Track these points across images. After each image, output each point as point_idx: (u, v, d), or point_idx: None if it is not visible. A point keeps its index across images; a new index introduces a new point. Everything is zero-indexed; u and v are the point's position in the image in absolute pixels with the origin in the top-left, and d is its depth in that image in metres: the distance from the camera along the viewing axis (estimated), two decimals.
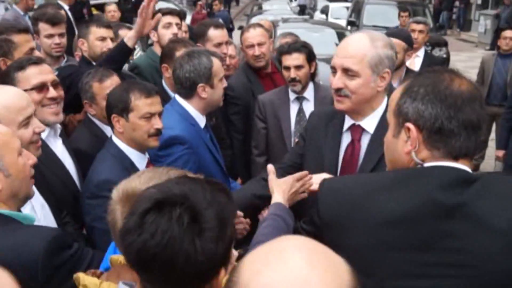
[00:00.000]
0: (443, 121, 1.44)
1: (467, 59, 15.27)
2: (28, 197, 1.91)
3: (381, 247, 1.43)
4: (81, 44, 3.77)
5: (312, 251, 0.89)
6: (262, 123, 3.67)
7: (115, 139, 2.60)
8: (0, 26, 3.42)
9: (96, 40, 3.73)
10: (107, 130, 2.92)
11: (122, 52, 3.24)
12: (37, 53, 3.20)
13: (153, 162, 2.66)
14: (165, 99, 3.12)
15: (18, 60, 2.77)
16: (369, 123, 2.30)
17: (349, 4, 19.24)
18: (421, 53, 5.70)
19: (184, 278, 1.14)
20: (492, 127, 6.93)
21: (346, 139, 2.36)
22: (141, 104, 2.51)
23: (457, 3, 22.44)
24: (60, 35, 3.99)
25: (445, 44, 12.96)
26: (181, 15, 4.24)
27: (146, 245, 1.14)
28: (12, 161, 1.79)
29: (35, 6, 7.34)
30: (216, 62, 2.89)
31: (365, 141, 2.31)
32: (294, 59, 3.51)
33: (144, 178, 1.47)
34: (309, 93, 3.63)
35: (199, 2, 17.08)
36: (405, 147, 1.51)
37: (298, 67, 3.52)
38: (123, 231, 1.20)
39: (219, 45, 3.93)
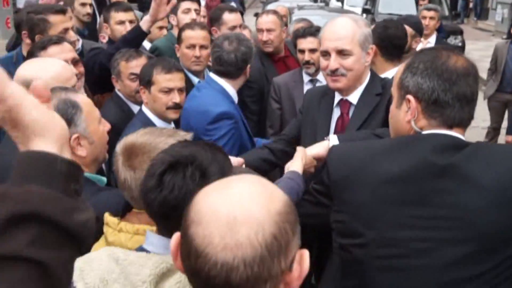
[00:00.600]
0: (439, 93, 1.60)
1: (483, 48, 15.21)
2: (104, 160, 2.12)
3: (382, 203, 1.59)
4: (106, 28, 3.97)
5: (255, 183, 1.03)
6: (277, 104, 3.82)
7: (144, 109, 2.89)
8: (38, 6, 3.59)
9: (116, 24, 3.93)
10: (133, 106, 3.12)
11: (136, 35, 3.43)
12: (71, 33, 3.35)
13: (202, 136, 2.85)
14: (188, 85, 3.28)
15: (41, 40, 2.93)
16: (356, 96, 2.53)
17: None
18: (432, 39, 5.84)
19: None
20: (505, 114, 7.00)
21: (336, 113, 2.59)
22: (161, 79, 2.79)
23: None
24: (131, 22, 4.08)
25: (460, 32, 12.96)
26: (199, 1, 4.39)
27: (166, 199, 1.36)
28: (95, 129, 2.00)
29: None
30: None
31: (351, 113, 2.55)
32: (308, 42, 3.67)
33: (140, 133, 1.74)
34: (322, 75, 3.76)
35: None
36: (406, 116, 1.67)
37: (312, 50, 3.66)
38: (145, 190, 1.41)
39: (233, 28, 4.08)
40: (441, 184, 1.55)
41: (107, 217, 1.65)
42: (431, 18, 5.86)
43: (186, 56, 3.54)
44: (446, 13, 15.01)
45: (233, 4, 5.06)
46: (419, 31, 4.49)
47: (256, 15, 14.48)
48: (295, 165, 2.25)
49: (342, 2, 18.92)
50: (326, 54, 2.47)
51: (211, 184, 1.04)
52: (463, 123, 1.65)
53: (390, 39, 3.54)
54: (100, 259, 1.41)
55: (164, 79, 2.79)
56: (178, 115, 2.90)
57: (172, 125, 2.94)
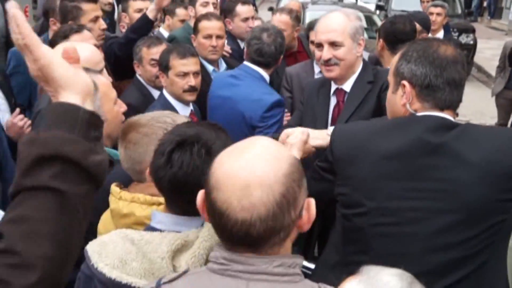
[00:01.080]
0: (431, 78, 1.79)
1: (496, 47, 15.21)
2: (117, 137, 2.32)
3: (380, 177, 1.78)
4: (124, 18, 4.16)
5: (263, 148, 1.20)
6: (288, 93, 4.00)
7: (164, 92, 3.12)
8: None
9: (134, 12, 4.11)
10: (153, 90, 3.31)
11: (143, 23, 3.64)
12: (101, 21, 3.52)
13: (256, 123, 3.04)
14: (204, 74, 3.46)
15: (62, 29, 3.08)
16: (349, 84, 2.75)
17: None
18: (440, 35, 6.01)
19: None
20: None
21: (333, 101, 2.81)
22: (177, 63, 3.03)
23: None
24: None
25: (472, 30, 13.00)
26: None
27: (176, 176, 1.49)
28: (109, 108, 2.16)
29: None
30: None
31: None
32: None
33: (146, 115, 1.92)
34: None
35: None
36: (402, 100, 1.86)
37: None
38: (155, 168, 1.54)
39: (246, 19, 4.26)
40: (433, 160, 1.73)
41: (112, 187, 1.81)
42: (438, 14, 6.06)
43: (203, 45, 3.70)
44: (459, 11, 15.05)
45: None
46: (426, 27, 4.62)
47: (271, 9, 14.55)
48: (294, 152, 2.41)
49: None
50: (319, 45, 2.71)
51: (225, 151, 1.22)
52: (453, 105, 1.83)
53: (395, 34, 3.67)
54: (115, 241, 1.50)
55: (179, 63, 3.03)
56: (194, 97, 3.13)
57: (191, 107, 3.15)
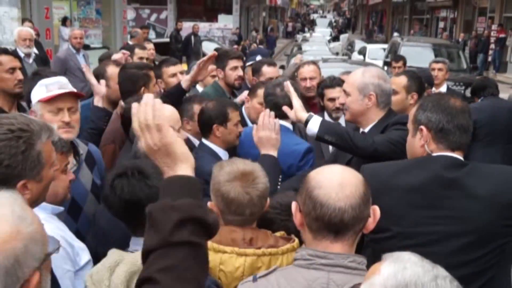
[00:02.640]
0: (444, 123, 2.20)
1: None
2: None
3: (404, 206, 2.16)
4: (160, 83, 4.47)
5: (345, 168, 1.74)
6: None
7: (204, 141, 3.45)
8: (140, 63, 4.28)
9: (169, 77, 4.47)
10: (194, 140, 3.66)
11: (177, 92, 3.84)
12: (156, 86, 4.02)
13: (295, 172, 3.31)
14: (242, 124, 3.77)
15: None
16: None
17: (385, 46, 19.98)
18: (443, 89, 6.54)
19: None
20: None
21: None
22: (234, 115, 3.41)
23: (492, 46, 22.89)
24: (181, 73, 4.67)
25: None
26: (243, 59, 5.04)
27: (121, 198, 2.03)
28: None
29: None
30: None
31: None
32: (336, 92, 4.29)
33: (240, 162, 2.19)
34: (342, 119, 4.38)
35: (235, 46, 18.00)
36: (420, 143, 2.27)
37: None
38: (104, 199, 2.13)
39: (270, 79, 4.69)
40: (448, 192, 2.12)
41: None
42: (439, 69, 6.54)
43: (258, 110, 3.84)
44: (465, 66, 15.60)
45: (258, 57, 5.71)
46: (430, 84, 5.16)
47: (282, 67, 15.09)
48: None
49: (364, 55, 19.69)
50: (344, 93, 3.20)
51: (317, 169, 1.71)
52: (462, 147, 2.24)
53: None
54: None
55: (236, 115, 3.43)
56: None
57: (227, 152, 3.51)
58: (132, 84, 3.85)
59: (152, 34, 26.62)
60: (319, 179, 1.64)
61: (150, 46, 6.72)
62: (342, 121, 4.26)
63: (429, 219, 2.12)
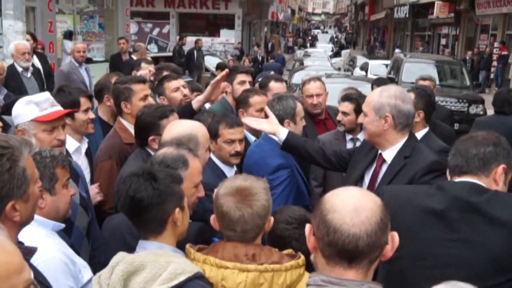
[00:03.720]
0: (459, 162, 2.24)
1: None
2: None
3: (421, 226, 2.11)
4: (163, 100, 4.39)
5: (358, 189, 1.67)
6: None
7: (212, 156, 3.36)
8: (123, 78, 4.12)
9: (172, 92, 4.35)
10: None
11: (187, 111, 3.82)
12: (150, 99, 3.84)
13: None
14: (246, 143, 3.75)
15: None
16: (388, 154, 3.04)
17: (387, 62, 19.97)
18: None
19: None
20: None
21: (375, 164, 3.14)
22: (226, 132, 3.36)
23: (495, 63, 22.93)
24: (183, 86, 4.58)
25: (482, 101, 13.46)
26: (253, 74, 4.98)
27: (131, 197, 2.04)
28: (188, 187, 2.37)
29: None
30: (298, 105, 3.70)
31: (383, 168, 3.08)
32: (343, 106, 4.32)
33: (241, 179, 2.16)
34: (361, 135, 4.29)
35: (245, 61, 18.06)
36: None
37: (344, 113, 4.33)
38: (117, 197, 2.14)
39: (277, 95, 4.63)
40: (467, 216, 2.06)
41: (187, 248, 2.09)
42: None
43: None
44: (468, 83, 15.58)
45: (272, 73, 5.72)
46: None
47: (285, 82, 15.13)
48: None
49: (366, 71, 19.68)
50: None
51: (333, 191, 1.61)
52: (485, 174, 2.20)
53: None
54: None
55: (228, 132, 3.36)
56: (238, 161, 3.45)
57: (235, 168, 3.48)
58: (115, 99, 3.81)
59: (154, 48, 26.85)
60: (334, 202, 1.54)
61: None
62: (361, 136, 4.26)
63: (444, 241, 2.07)
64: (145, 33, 27.57)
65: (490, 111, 14.38)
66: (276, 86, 4.71)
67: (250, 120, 3.47)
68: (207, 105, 4.86)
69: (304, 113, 4.77)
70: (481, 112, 12.97)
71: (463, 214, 2.06)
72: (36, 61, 7.82)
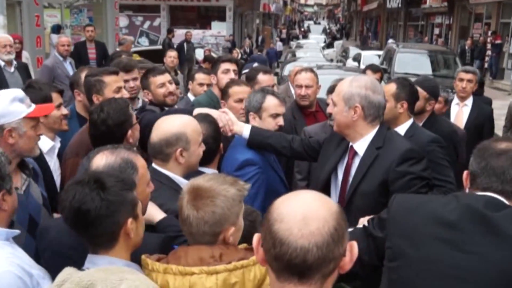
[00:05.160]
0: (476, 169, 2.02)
1: (499, 107, 15.41)
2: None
3: (428, 232, 1.92)
4: (147, 95, 4.23)
5: (313, 193, 1.41)
6: None
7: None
8: (95, 69, 3.97)
9: (157, 88, 4.15)
10: None
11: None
12: (124, 91, 3.66)
13: None
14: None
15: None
16: (359, 146, 2.91)
17: (380, 52, 19.81)
18: (469, 102, 5.64)
19: None
20: None
21: (347, 157, 2.99)
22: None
23: (489, 52, 22.76)
24: (134, 79, 4.39)
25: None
26: (238, 62, 4.79)
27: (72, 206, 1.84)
28: (143, 190, 2.17)
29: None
30: (269, 101, 3.40)
31: (356, 161, 2.94)
32: (331, 98, 4.04)
33: (206, 178, 1.98)
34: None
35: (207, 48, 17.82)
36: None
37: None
38: (61, 207, 1.88)
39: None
40: (480, 228, 1.87)
41: (143, 260, 1.91)
42: (468, 81, 5.56)
43: (235, 109, 3.81)
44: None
45: (255, 65, 5.55)
46: (434, 95, 4.47)
47: (276, 74, 14.97)
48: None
49: (359, 62, 19.51)
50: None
51: (284, 196, 1.41)
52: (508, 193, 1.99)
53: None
54: None
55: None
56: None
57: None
58: (87, 92, 3.64)
59: (145, 42, 26.58)
60: (281, 211, 1.35)
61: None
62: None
63: (453, 253, 1.88)
64: (136, 27, 27.35)
65: None
66: (264, 79, 4.52)
67: (222, 117, 3.26)
68: (191, 97, 4.68)
69: (294, 105, 4.64)
70: None
71: (476, 227, 1.88)
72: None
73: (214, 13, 29.81)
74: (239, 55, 15.72)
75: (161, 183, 2.52)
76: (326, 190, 3.03)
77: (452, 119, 5.55)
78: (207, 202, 1.88)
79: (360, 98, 2.83)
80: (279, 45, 30.93)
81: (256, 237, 1.41)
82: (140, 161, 2.20)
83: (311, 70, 4.84)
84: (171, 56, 8.21)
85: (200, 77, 5.40)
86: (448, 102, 5.13)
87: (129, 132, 2.92)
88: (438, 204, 1.99)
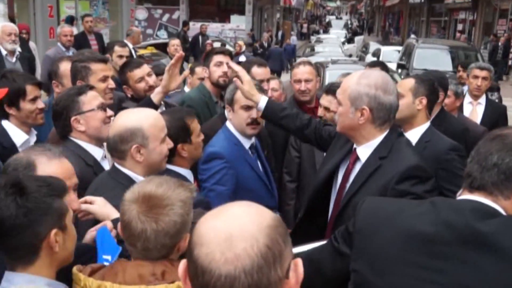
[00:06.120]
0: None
1: None
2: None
3: (397, 256, 1.61)
4: (127, 90, 3.90)
5: (244, 205, 1.16)
6: (296, 152, 3.89)
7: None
8: (83, 55, 3.80)
9: (136, 83, 3.82)
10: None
11: (147, 106, 3.14)
12: (110, 81, 3.49)
13: (199, 175, 3.02)
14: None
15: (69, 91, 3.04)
16: (363, 151, 2.56)
17: (400, 48, 19.36)
18: (482, 100, 5.46)
19: None
20: None
21: (349, 160, 2.67)
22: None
23: None
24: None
25: (497, 89, 12.85)
26: (232, 55, 4.52)
27: None
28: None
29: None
30: (239, 93, 3.18)
31: (356, 167, 2.59)
32: (325, 100, 3.77)
33: (155, 184, 1.73)
34: None
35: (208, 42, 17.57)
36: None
37: (326, 109, 3.75)
38: None
39: (261, 82, 4.18)
40: (469, 248, 1.54)
41: (74, 273, 1.69)
42: (483, 78, 5.33)
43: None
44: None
45: (242, 58, 5.30)
46: (442, 86, 4.19)
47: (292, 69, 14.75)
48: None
49: (378, 58, 19.09)
50: None
51: (210, 212, 1.16)
52: (485, 187, 1.64)
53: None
54: None
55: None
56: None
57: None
58: (72, 78, 3.47)
59: (164, 34, 26.49)
60: (201, 232, 1.11)
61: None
62: None
63: (427, 283, 1.55)
64: (155, 19, 27.25)
65: (506, 99, 13.81)
66: (259, 72, 4.26)
67: (238, 67, 3.12)
68: (187, 89, 4.44)
69: (293, 101, 4.37)
70: (497, 100, 12.38)
71: (461, 244, 1.54)
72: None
73: (233, 6, 29.57)
74: (242, 48, 15.37)
75: (119, 182, 2.29)
76: (325, 190, 2.75)
77: None
78: (166, 212, 1.66)
79: (369, 99, 2.44)
80: (293, 40, 30.43)
81: (181, 265, 1.16)
82: (48, 166, 1.97)
83: (309, 63, 4.57)
84: (174, 45, 7.99)
85: (200, 71, 5.12)
86: (458, 96, 4.76)
87: (74, 118, 2.77)
88: (412, 214, 1.66)
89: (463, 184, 1.67)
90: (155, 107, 3.25)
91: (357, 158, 2.59)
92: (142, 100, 3.51)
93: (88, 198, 2.16)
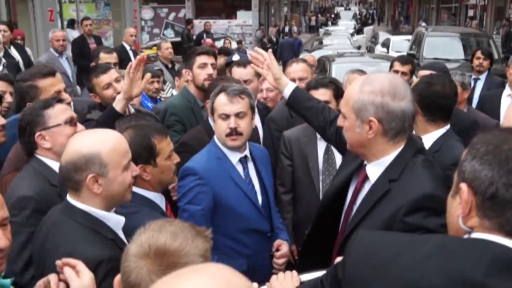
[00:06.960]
0: (499, 187, 1.27)
1: None
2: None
3: None
4: (95, 98, 3.63)
5: (217, 273, 0.91)
6: (288, 161, 3.57)
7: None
8: (25, 73, 3.44)
9: (103, 90, 3.55)
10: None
11: (110, 117, 2.97)
12: (65, 95, 3.18)
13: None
14: (210, 134, 3.17)
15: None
16: (373, 170, 2.20)
17: (410, 37, 18.91)
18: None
19: None
20: None
21: (357, 177, 2.33)
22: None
23: None
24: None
25: None
26: (216, 55, 4.21)
27: None
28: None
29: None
30: (218, 98, 2.91)
31: (365, 187, 2.23)
32: (320, 94, 3.41)
33: (170, 235, 1.42)
34: None
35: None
36: (457, 210, 1.35)
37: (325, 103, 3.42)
38: None
39: (245, 82, 3.91)
40: None
41: None
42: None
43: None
44: (496, 56, 14.50)
45: (236, 56, 4.98)
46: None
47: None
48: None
49: (388, 48, 18.65)
50: None
51: (164, 278, 0.93)
52: None
53: (433, 97, 3.13)
54: None
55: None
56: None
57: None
58: (21, 101, 3.18)
59: (171, 34, 26.33)
60: None
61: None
62: None
63: None
64: (161, 19, 27.16)
65: None
66: (238, 72, 4.00)
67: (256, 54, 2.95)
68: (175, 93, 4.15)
69: (284, 101, 4.08)
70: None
71: None
72: (14, 52, 7.24)
73: (240, 2, 29.29)
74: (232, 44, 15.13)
75: (74, 221, 1.98)
76: (335, 203, 2.41)
77: (502, 112, 4.90)
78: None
79: (375, 109, 2.08)
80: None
81: None
82: None
83: (303, 60, 4.31)
84: (168, 48, 7.71)
85: (148, 78, 4.69)
86: (465, 87, 4.44)
87: (39, 134, 2.55)
88: (413, 263, 1.32)
89: (478, 211, 1.31)
90: (119, 115, 2.96)
91: (366, 177, 2.24)
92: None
93: (72, 261, 1.76)
